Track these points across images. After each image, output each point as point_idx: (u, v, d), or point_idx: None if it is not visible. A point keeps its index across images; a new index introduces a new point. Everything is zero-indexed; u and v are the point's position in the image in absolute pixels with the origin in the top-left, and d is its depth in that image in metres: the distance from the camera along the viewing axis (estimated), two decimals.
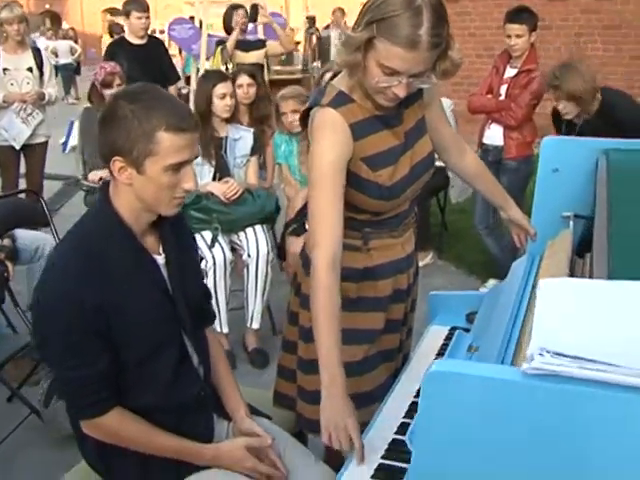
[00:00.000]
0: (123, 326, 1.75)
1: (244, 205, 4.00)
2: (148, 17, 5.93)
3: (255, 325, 4.05)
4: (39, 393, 3.19)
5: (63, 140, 9.76)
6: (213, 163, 3.99)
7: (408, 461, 1.63)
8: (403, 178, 2.02)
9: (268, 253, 3.99)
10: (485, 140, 4.83)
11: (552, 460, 1.06)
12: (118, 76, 4.64)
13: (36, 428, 3.24)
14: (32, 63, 5.39)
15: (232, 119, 4.16)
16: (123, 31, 6.12)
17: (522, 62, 4.62)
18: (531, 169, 4.69)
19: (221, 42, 7.17)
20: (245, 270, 4.00)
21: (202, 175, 3.93)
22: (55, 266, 1.77)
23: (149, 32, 6.15)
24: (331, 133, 1.91)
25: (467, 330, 2.30)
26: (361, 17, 1.82)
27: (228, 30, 6.99)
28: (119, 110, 1.71)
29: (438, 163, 2.20)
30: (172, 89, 6.03)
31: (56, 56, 15.41)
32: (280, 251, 4.30)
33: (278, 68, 10.74)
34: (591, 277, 1.60)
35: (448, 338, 2.33)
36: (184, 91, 8.94)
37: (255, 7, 7.14)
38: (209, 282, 3.71)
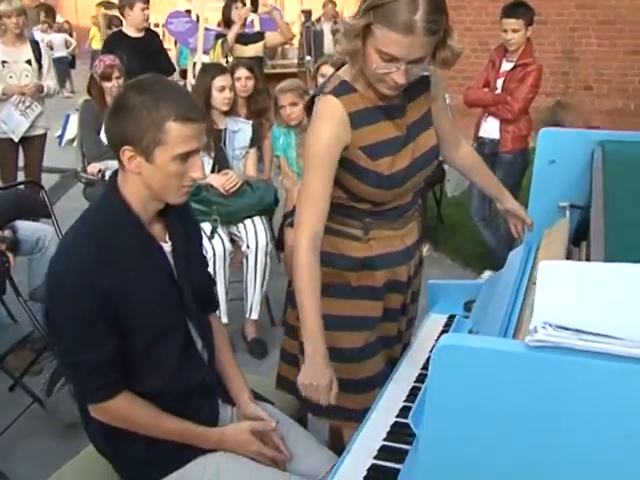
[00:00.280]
0: (131, 311, 1.79)
1: (243, 197, 4.03)
2: (149, 9, 5.98)
3: (254, 315, 4.09)
4: (41, 382, 3.22)
5: (59, 133, 9.77)
6: (212, 155, 4.02)
7: (409, 443, 1.69)
8: (403, 169, 2.05)
9: (267, 244, 4.03)
10: (481, 133, 4.87)
11: (555, 428, 1.11)
12: (117, 69, 4.65)
13: (38, 417, 3.28)
14: (31, 56, 5.40)
15: (231, 112, 4.18)
16: (122, 24, 6.11)
17: (518, 56, 4.65)
18: (527, 162, 4.73)
19: (220, 36, 7.18)
20: (244, 261, 4.04)
21: None
22: (65, 253, 1.80)
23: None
24: (328, 120, 1.97)
25: (466, 318, 2.35)
26: (360, 5, 1.86)
27: (228, 23, 6.99)
28: (129, 100, 1.75)
29: None
30: None
31: (51, 49, 15.36)
32: (278, 242, 4.34)
33: (274, 62, 10.77)
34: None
35: (447, 325, 2.38)
36: (180, 84, 8.95)
37: None
38: None
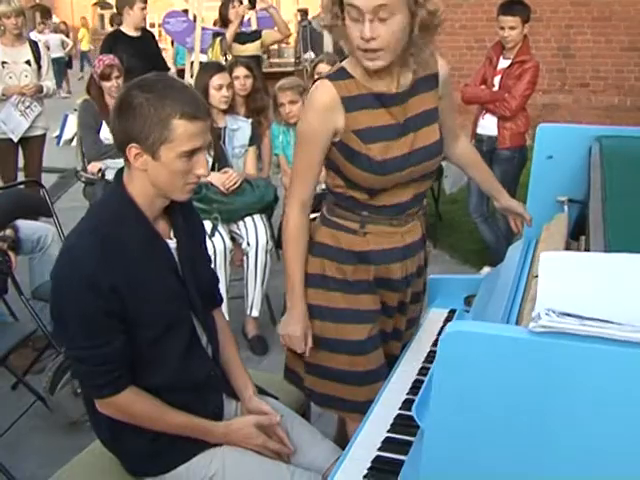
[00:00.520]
0: (137, 307, 1.81)
1: (243, 195, 4.05)
2: (146, 8, 6.02)
3: (255, 313, 4.11)
4: (44, 381, 3.23)
5: (57, 133, 9.79)
6: (212, 153, 4.04)
7: (413, 435, 1.71)
8: (398, 157, 2.06)
9: (267, 242, 4.06)
10: (479, 130, 4.89)
11: (559, 410, 1.14)
12: (116, 68, 4.66)
13: (41, 415, 3.30)
14: (30, 56, 5.41)
15: (230, 110, 4.21)
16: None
17: (515, 53, 4.68)
18: (524, 159, 4.76)
19: (217, 34, 7.19)
20: (245, 259, 4.07)
21: None
22: (72, 248, 1.82)
23: None
24: (316, 101, 2.07)
25: (467, 312, 2.37)
26: None
27: (224, 22, 6.99)
28: (134, 99, 1.77)
29: None
30: None
31: (47, 49, 15.37)
32: (279, 240, 4.36)
33: (271, 61, 10.79)
34: None
35: (448, 320, 2.41)
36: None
37: None
38: None
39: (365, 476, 1.68)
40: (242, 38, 6.95)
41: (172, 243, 1.95)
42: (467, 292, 2.51)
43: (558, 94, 9.58)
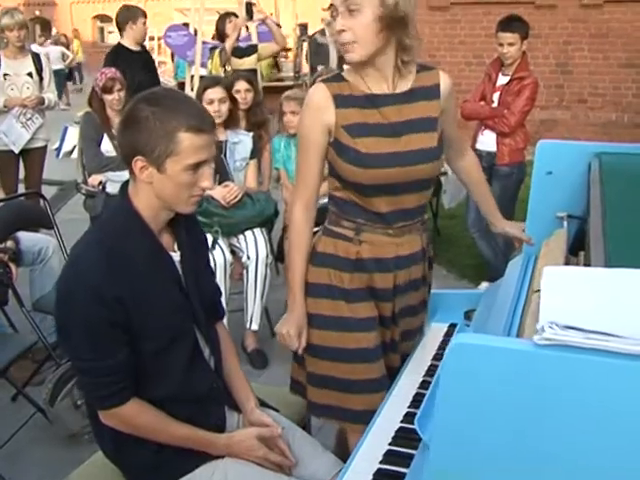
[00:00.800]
0: (142, 319, 1.82)
1: (244, 209, 4.07)
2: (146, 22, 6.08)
3: (254, 326, 4.11)
4: (44, 392, 3.23)
5: (57, 146, 9.81)
6: (213, 166, 4.04)
7: (415, 447, 1.72)
8: (385, 153, 2.10)
9: (267, 256, 4.07)
10: (478, 146, 4.91)
11: (562, 422, 1.16)
12: (118, 81, 4.68)
13: (41, 427, 3.30)
14: (32, 68, 5.43)
15: (231, 124, 4.22)
16: None
17: (514, 70, 4.71)
18: (523, 174, 4.79)
19: (214, 48, 7.23)
20: (244, 272, 4.07)
21: None
22: (78, 260, 1.83)
23: None
24: (313, 100, 2.17)
25: (467, 326, 2.39)
26: None
27: (221, 37, 7.04)
28: (141, 112, 1.79)
29: None
30: None
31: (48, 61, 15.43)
32: (279, 254, 4.38)
33: (270, 75, 10.82)
34: None
35: (448, 334, 2.43)
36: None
37: (249, 5, 7.22)
38: None
39: None
40: (239, 52, 6.98)
41: (176, 256, 1.96)
42: (467, 307, 2.53)
43: (556, 110, 9.64)
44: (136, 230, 1.86)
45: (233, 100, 4.32)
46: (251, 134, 4.36)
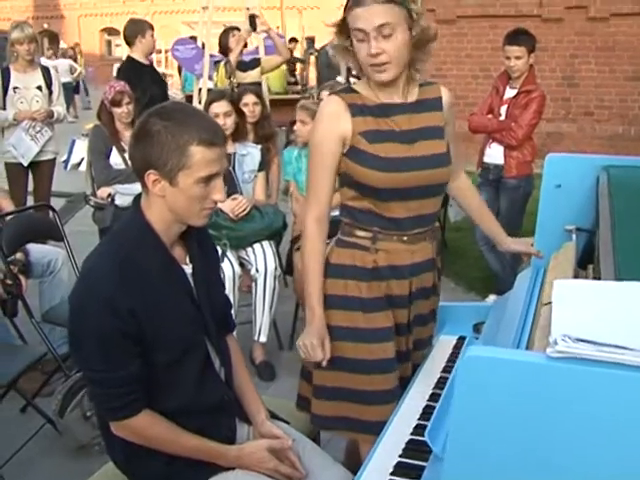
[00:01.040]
0: (154, 331, 1.84)
1: (252, 222, 4.09)
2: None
3: (263, 339, 4.12)
4: (54, 403, 3.24)
5: (64, 158, 9.85)
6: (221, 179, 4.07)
7: (425, 459, 1.73)
8: (400, 158, 2.16)
9: (275, 268, 4.08)
10: (486, 159, 4.93)
11: (574, 433, 1.17)
12: (127, 95, 4.71)
13: (51, 438, 3.31)
14: (41, 82, 5.47)
15: (239, 136, 4.25)
16: None
17: (521, 83, 4.73)
18: (531, 187, 4.80)
19: (218, 62, 7.26)
20: (253, 285, 4.09)
21: None
22: (91, 271, 1.85)
23: None
24: (324, 113, 2.22)
25: (476, 339, 2.40)
26: None
27: (224, 51, 7.07)
28: (153, 127, 1.81)
29: None
30: None
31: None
32: (287, 266, 4.39)
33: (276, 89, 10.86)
34: None
35: (457, 347, 2.43)
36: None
37: (253, 17, 7.25)
38: None
39: None
40: (243, 66, 7.01)
41: (188, 269, 1.98)
42: (476, 319, 2.54)
43: (562, 123, 9.66)
44: (149, 243, 1.88)
45: (240, 113, 4.34)
46: (259, 146, 4.39)
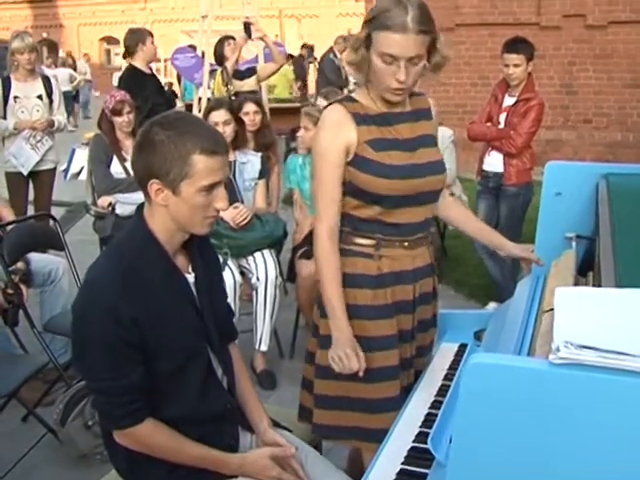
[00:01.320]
0: (157, 339, 1.84)
1: (253, 231, 4.09)
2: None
3: (263, 347, 4.12)
4: (55, 413, 3.25)
5: (64, 167, 9.86)
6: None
7: (428, 467, 1.74)
8: (406, 165, 2.19)
9: (276, 277, 4.09)
10: (485, 167, 4.95)
11: (577, 439, 1.18)
12: (127, 104, 4.73)
13: (52, 447, 3.31)
14: (42, 91, 5.47)
15: (239, 144, 4.26)
16: None
17: (520, 91, 4.75)
18: (530, 195, 4.81)
19: (214, 71, 7.28)
20: (254, 294, 4.09)
21: None
22: (94, 280, 1.86)
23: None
24: (327, 122, 2.22)
25: (477, 346, 2.40)
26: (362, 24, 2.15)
27: (220, 60, 7.08)
28: (155, 136, 1.82)
29: None
30: None
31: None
32: (290, 274, 4.39)
33: (274, 97, 10.88)
34: None
35: (458, 354, 2.44)
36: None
37: (248, 24, 7.27)
38: None
39: None
40: (239, 74, 7.02)
41: (191, 278, 1.99)
42: (477, 327, 2.54)
43: (561, 130, 9.69)
44: (152, 252, 1.89)
45: (239, 121, 4.36)
46: (260, 154, 4.41)
